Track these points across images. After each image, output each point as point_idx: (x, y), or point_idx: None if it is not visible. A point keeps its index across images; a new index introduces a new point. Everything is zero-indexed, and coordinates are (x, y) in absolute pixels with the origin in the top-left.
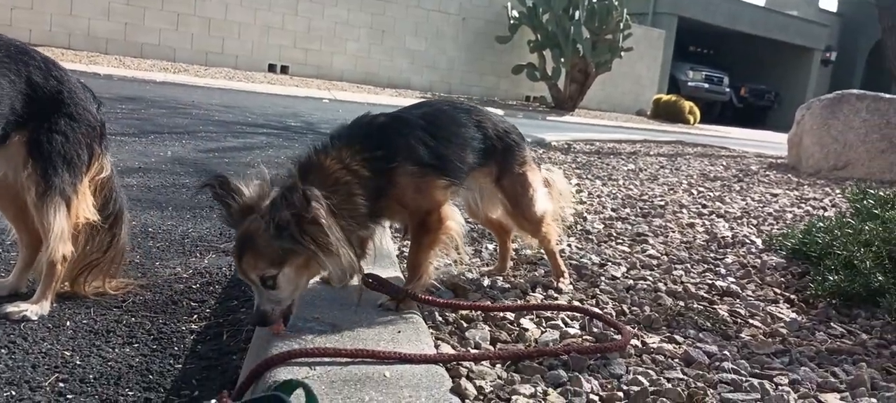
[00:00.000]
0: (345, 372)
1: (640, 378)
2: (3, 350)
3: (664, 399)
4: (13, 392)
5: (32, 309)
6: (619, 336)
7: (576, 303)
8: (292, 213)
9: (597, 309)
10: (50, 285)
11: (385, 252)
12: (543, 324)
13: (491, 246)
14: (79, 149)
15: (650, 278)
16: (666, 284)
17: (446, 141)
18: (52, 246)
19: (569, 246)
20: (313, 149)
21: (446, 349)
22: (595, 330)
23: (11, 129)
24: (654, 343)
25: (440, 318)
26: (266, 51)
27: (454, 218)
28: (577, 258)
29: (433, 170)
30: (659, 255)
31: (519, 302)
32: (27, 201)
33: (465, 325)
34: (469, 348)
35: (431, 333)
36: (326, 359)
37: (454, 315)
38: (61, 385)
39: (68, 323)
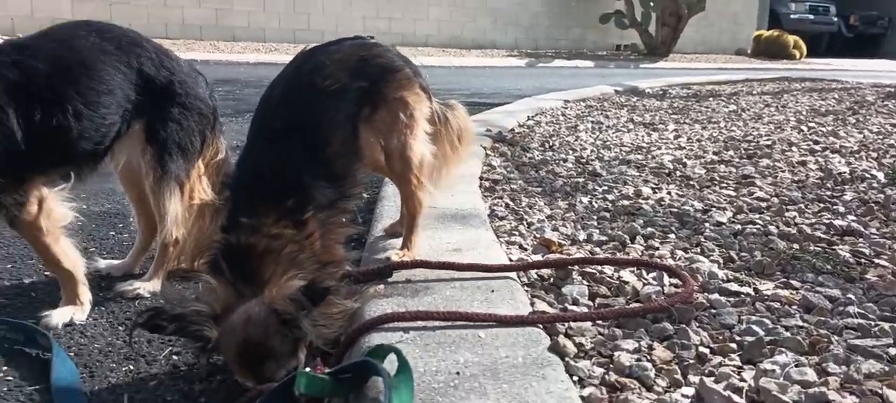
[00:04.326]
0: (438, 336)
1: (754, 327)
2: (120, 328)
3: (782, 349)
4: (131, 367)
5: (145, 287)
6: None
7: (632, 256)
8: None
9: (653, 260)
10: (162, 265)
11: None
12: (645, 275)
13: (585, 200)
14: (192, 136)
15: (760, 221)
16: (778, 227)
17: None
18: (167, 228)
19: (669, 193)
20: None
21: (542, 306)
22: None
23: (130, 118)
24: (767, 290)
25: (535, 276)
26: (350, 23)
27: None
28: (678, 205)
29: None
30: (768, 197)
31: (617, 253)
32: (145, 186)
33: (561, 281)
34: (566, 304)
35: (526, 291)
36: (419, 322)
37: (549, 271)
38: (175, 357)
39: None
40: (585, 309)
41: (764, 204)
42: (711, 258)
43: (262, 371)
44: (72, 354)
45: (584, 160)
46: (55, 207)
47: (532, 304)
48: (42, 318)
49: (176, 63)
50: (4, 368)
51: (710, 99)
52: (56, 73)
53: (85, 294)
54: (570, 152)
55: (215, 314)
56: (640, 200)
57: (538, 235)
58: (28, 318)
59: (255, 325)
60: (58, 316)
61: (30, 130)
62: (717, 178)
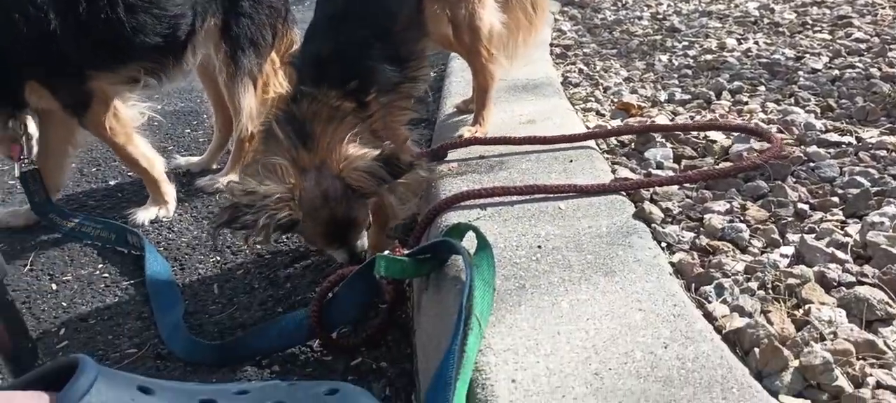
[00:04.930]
0: (517, 210)
1: (858, 178)
2: (204, 221)
3: (891, 199)
4: (218, 258)
5: (223, 181)
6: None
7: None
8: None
9: (737, 121)
10: (239, 159)
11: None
12: (733, 135)
13: (664, 58)
14: (263, 30)
15: (860, 65)
16: (880, 69)
17: None
18: (242, 123)
19: (756, 43)
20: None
21: (624, 173)
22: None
23: (204, 12)
24: (871, 137)
25: (616, 142)
26: None
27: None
28: (767, 55)
29: None
30: (868, 37)
31: (702, 112)
32: (219, 81)
33: (643, 145)
34: (650, 169)
35: (606, 159)
36: (496, 198)
37: (630, 137)
38: (259, 247)
39: None
40: (671, 173)
41: (863, 46)
42: (807, 108)
43: (345, 240)
44: (161, 249)
45: (661, 16)
46: (122, 108)
47: (613, 171)
48: (129, 216)
49: None
50: (100, 266)
51: None
52: None
53: (169, 191)
54: (645, 9)
55: (293, 195)
56: (725, 53)
57: (616, 99)
58: (117, 218)
59: (336, 202)
60: (143, 214)
61: (78, 29)
62: (810, 22)
